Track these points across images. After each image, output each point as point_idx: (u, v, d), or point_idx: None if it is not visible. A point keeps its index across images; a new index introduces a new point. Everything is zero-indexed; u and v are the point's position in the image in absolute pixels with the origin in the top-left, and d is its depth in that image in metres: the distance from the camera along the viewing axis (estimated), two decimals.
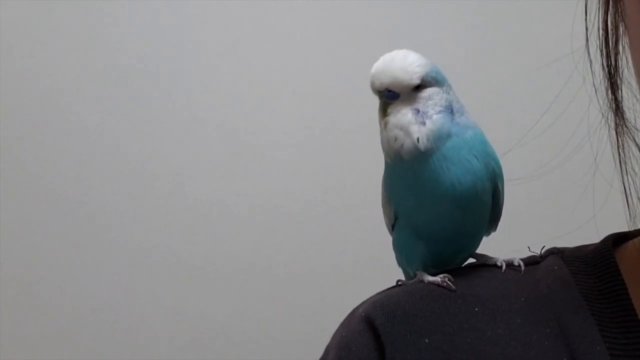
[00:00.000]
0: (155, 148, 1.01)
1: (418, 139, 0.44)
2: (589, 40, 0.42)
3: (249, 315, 0.99)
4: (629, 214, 0.43)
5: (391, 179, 0.48)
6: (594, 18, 0.42)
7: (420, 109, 0.45)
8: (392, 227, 0.50)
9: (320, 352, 0.46)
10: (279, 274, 1.00)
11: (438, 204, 0.45)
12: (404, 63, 0.45)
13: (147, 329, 0.99)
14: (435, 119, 0.44)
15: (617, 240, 0.46)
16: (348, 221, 0.99)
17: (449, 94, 0.46)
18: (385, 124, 0.45)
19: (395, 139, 0.44)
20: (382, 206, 0.50)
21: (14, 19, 1.01)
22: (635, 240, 0.44)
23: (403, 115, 0.44)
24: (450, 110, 0.45)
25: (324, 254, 1.00)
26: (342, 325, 0.46)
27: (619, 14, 0.40)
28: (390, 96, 0.45)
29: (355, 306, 0.46)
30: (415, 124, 0.44)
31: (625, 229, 0.45)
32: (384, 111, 0.46)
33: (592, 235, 0.48)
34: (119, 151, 1.01)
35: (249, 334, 0.99)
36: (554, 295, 0.42)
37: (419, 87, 0.45)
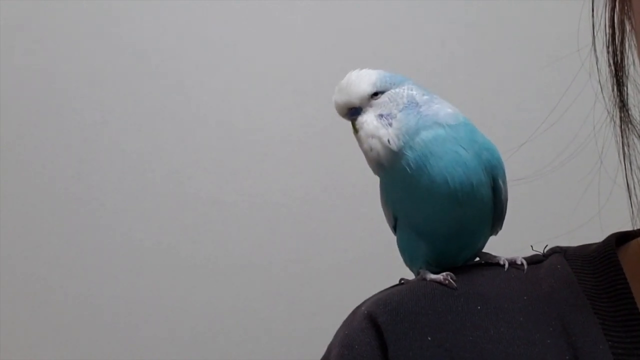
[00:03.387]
0: (155, 146, 1.00)
1: (389, 141, 0.45)
2: (596, 37, 0.42)
3: (250, 313, 0.99)
4: (633, 213, 0.43)
5: (385, 186, 0.48)
6: (601, 15, 0.42)
7: (383, 113, 0.46)
8: (394, 228, 0.50)
9: (322, 350, 0.46)
10: (280, 272, 1.00)
11: (434, 202, 0.45)
12: (351, 78, 0.47)
13: (147, 327, 0.99)
14: (400, 117, 0.45)
15: (620, 239, 0.46)
16: (349, 219, 0.99)
17: (411, 90, 0.47)
18: (358, 140, 0.47)
19: (371, 149, 0.45)
20: (382, 208, 0.51)
21: (14, 18, 1.01)
22: (639, 239, 0.44)
23: (369, 124, 0.46)
24: (414, 104, 0.46)
25: (325, 252, 1.00)
26: (345, 323, 0.46)
27: (626, 12, 0.40)
28: (354, 113, 0.47)
29: (357, 304, 0.46)
30: (382, 127, 0.45)
31: (629, 228, 0.45)
32: (355, 131, 0.47)
33: (596, 233, 0.48)
34: (119, 149, 1.01)
35: (250, 333, 0.99)
36: (556, 294, 0.42)
37: (376, 95, 0.47)
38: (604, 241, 0.46)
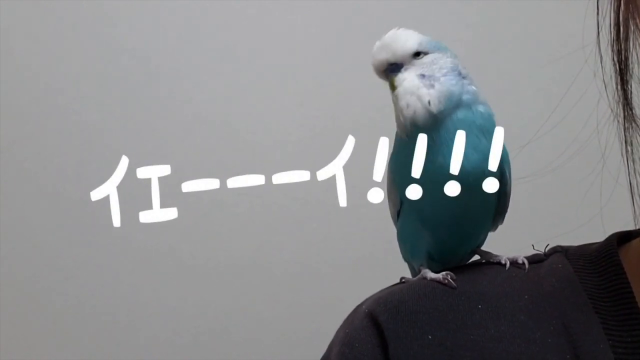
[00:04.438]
0: (155, 147, 1.00)
1: (429, 102, 0.43)
2: (600, 35, 0.42)
3: (251, 313, 0.99)
4: (635, 212, 0.42)
5: (399, 158, 0.47)
6: (606, 14, 0.41)
7: (426, 74, 0.45)
8: (397, 214, 0.50)
9: (322, 349, 0.46)
10: (280, 272, 0.99)
11: (444, 182, 0.44)
12: (397, 34, 0.46)
13: (148, 328, 0.99)
14: (443, 81, 0.44)
15: (622, 238, 0.45)
16: (350, 219, 0.99)
17: (455, 59, 0.46)
18: (396, 96, 0.45)
19: (407, 105, 0.44)
20: (387, 192, 0.50)
21: (15, 19, 1.01)
22: None
23: (410, 81, 0.44)
24: (458, 73, 0.45)
25: (325, 253, 0.99)
26: (346, 321, 0.46)
27: (630, 11, 0.40)
28: (394, 69, 0.46)
29: (357, 303, 0.46)
30: (424, 87, 0.44)
31: (631, 227, 0.45)
32: (392, 87, 0.45)
33: (598, 232, 0.48)
34: (120, 150, 1.00)
35: (251, 333, 0.99)
36: (557, 293, 0.42)
37: (419, 55, 0.45)
38: (605, 240, 0.46)
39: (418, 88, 0.44)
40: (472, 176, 0.44)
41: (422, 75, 0.44)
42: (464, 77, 0.45)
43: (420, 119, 0.43)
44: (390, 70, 0.46)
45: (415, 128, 0.44)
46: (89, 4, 1.02)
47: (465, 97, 0.44)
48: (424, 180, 0.45)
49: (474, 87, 0.45)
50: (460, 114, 0.44)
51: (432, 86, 0.44)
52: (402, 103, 0.44)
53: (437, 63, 0.45)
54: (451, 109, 0.44)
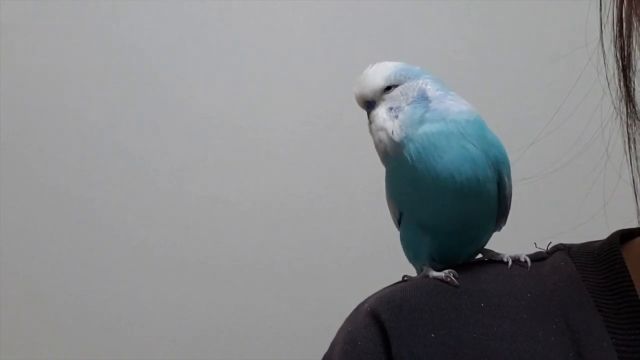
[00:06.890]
0: (158, 145, 1.00)
1: (393, 132, 0.46)
2: (603, 32, 0.42)
3: (253, 312, 0.99)
4: (638, 209, 0.42)
5: (391, 178, 0.49)
6: (608, 10, 0.41)
7: (394, 106, 0.47)
8: (398, 222, 0.50)
9: (325, 348, 0.46)
10: (283, 270, 1.00)
11: (440, 196, 0.45)
12: (368, 72, 0.49)
13: (150, 327, 0.99)
14: (406, 110, 0.46)
15: (625, 236, 0.45)
16: (351, 217, 0.99)
17: (425, 84, 0.48)
18: (371, 132, 0.48)
19: (380, 140, 0.47)
20: (387, 202, 0.51)
21: (17, 16, 1.01)
22: None
23: (379, 117, 0.47)
24: (423, 98, 0.47)
25: (328, 251, 1.00)
26: (348, 320, 0.45)
27: (633, 7, 0.40)
28: (369, 105, 0.48)
29: (360, 302, 0.46)
30: (389, 120, 0.46)
31: (635, 225, 0.45)
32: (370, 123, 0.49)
33: (601, 230, 0.48)
34: (122, 148, 1.01)
35: (253, 331, 0.99)
36: (560, 291, 0.42)
37: (389, 89, 0.48)
38: (608, 238, 0.46)
39: (385, 121, 0.47)
40: (466, 187, 0.45)
41: (390, 109, 0.47)
42: (430, 100, 0.47)
43: (390, 150, 0.46)
44: (367, 106, 0.49)
45: (390, 158, 0.47)
46: (89, 3, 1.02)
47: (429, 114, 0.46)
48: (420, 195, 0.46)
49: (445, 103, 0.47)
50: (435, 129, 0.45)
51: (396, 117, 0.46)
52: (375, 139, 0.47)
53: (405, 93, 0.48)
54: (418, 129, 0.46)
